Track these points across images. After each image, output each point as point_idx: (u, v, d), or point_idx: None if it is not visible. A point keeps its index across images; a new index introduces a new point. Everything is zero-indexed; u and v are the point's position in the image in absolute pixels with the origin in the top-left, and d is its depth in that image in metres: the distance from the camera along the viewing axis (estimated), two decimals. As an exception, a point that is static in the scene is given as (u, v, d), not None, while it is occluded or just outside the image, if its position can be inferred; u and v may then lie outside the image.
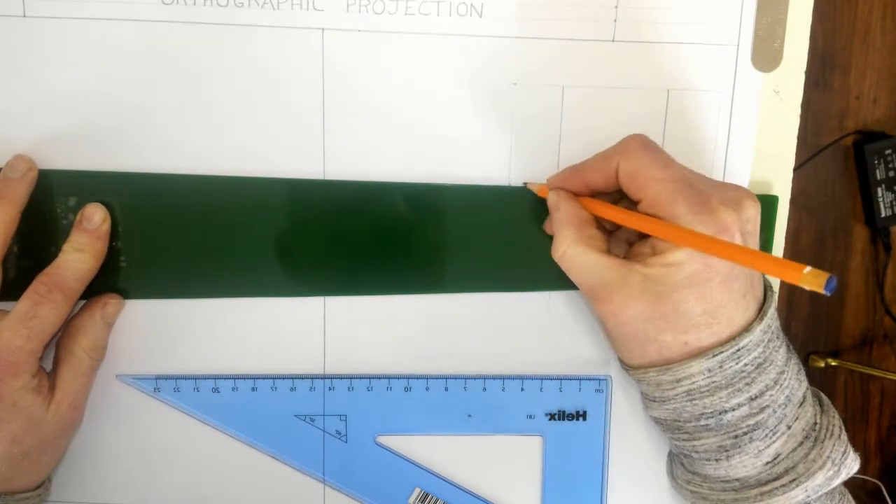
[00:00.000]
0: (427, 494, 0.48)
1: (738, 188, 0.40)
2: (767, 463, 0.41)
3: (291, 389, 0.47)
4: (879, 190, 0.53)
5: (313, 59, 0.44)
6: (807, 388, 0.42)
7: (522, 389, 0.48)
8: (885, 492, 0.56)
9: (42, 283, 0.42)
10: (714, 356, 0.39)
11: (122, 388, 0.47)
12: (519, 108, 0.45)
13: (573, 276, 0.41)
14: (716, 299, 0.38)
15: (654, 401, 0.42)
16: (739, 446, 0.40)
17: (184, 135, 0.45)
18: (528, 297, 0.47)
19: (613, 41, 0.45)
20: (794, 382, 0.41)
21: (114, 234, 0.45)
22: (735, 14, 0.44)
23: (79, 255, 0.43)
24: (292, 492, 0.48)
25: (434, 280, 0.47)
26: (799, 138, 0.46)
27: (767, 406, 0.40)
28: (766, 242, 0.47)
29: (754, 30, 0.45)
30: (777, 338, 0.41)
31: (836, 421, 0.42)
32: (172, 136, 0.45)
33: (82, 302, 0.45)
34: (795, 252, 0.50)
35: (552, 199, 0.43)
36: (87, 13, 0.44)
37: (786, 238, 0.47)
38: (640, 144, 0.40)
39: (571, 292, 0.47)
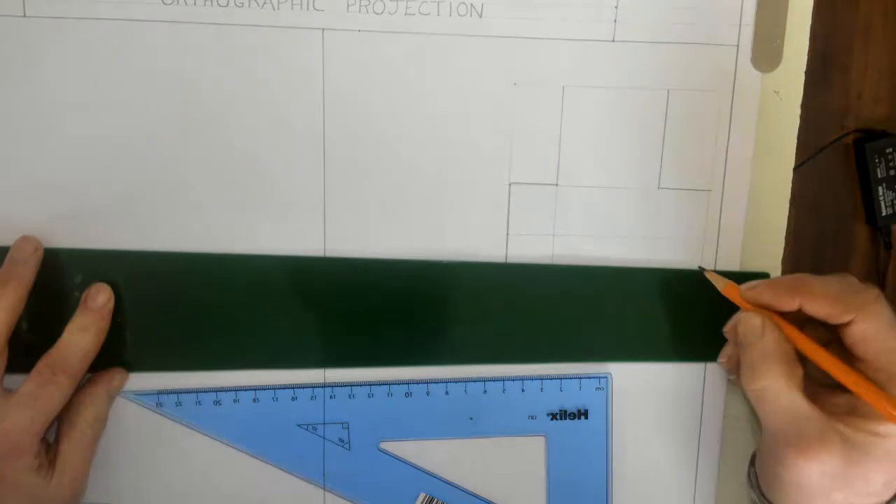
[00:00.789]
0: (432, 499, 0.49)
1: None
2: None
3: (293, 399, 0.47)
4: (880, 189, 0.52)
5: (313, 60, 0.44)
6: None
7: (523, 390, 0.48)
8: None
9: (46, 364, 0.42)
10: None
11: (123, 404, 0.47)
12: (519, 109, 0.45)
13: (763, 412, 0.39)
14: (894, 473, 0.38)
15: None
16: None
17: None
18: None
19: (614, 41, 0.45)
20: None
21: (118, 309, 0.45)
22: (735, 14, 0.44)
23: (82, 336, 0.44)
24: (297, 501, 0.48)
25: (440, 353, 0.48)
26: (799, 137, 0.46)
27: None
28: None
29: (754, 30, 0.45)
30: None
31: None
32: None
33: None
34: (796, 252, 0.50)
35: (756, 322, 0.40)
36: (87, 13, 0.44)
37: (786, 238, 0.47)
38: (884, 307, 0.38)
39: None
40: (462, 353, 0.47)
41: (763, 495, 0.42)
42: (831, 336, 0.40)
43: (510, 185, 0.46)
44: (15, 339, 0.43)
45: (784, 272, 0.47)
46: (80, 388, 0.45)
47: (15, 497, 0.41)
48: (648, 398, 0.48)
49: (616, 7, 0.44)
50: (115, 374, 0.46)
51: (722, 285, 0.43)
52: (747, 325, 0.41)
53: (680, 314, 0.47)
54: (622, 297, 0.47)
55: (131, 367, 0.47)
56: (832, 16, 0.51)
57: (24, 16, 0.44)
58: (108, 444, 0.47)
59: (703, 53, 0.45)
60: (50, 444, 0.44)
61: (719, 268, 0.47)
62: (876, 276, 0.54)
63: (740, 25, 0.44)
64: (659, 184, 0.46)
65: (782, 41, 0.45)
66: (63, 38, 0.44)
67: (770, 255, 0.47)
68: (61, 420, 0.45)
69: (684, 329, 0.48)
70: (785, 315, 0.41)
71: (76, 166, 0.45)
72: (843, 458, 0.37)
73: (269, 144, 0.45)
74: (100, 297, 0.44)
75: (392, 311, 0.47)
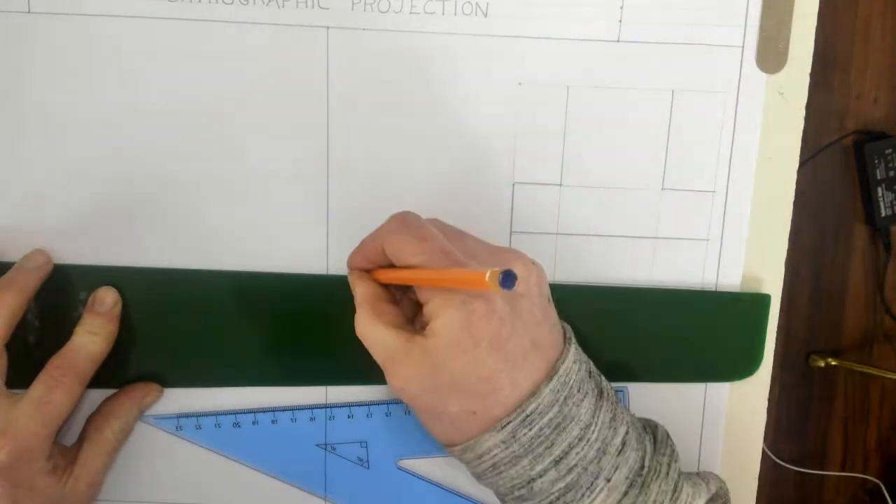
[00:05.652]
0: None
1: (510, 252, 0.40)
2: None
3: (311, 420, 0.48)
4: (880, 189, 0.53)
5: (318, 57, 0.44)
6: (626, 432, 0.40)
7: None
8: (885, 491, 0.56)
9: (55, 366, 0.42)
10: (503, 427, 0.37)
11: (143, 427, 0.47)
12: (523, 108, 0.45)
13: (373, 354, 0.40)
14: (489, 365, 0.37)
15: (477, 478, 0.41)
16: None
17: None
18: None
19: (618, 41, 0.45)
20: (607, 431, 0.39)
21: (123, 324, 0.45)
22: (740, 16, 0.44)
23: (91, 338, 0.44)
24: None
25: None
26: (799, 138, 0.47)
27: (576, 465, 0.38)
28: (757, 340, 0.48)
29: (759, 31, 0.45)
30: (579, 390, 0.39)
31: (666, 458, 0.41)
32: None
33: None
34: (796, 252, 0.50)
35: (350, 279, 0.42)
36: (92, 10, 0.44)
37: (787, 238, 0.47)
38: (398, 223, 0.39)
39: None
40: None
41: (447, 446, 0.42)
42: None
43: (514, 184, 0.46)
44: (21, 352, 0.43)
45: (785, 272, 0.47)
46: (111, 398, 0.45)
47: (31, 499, 0.41)
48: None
49: (622, 7, 0.44)
50: (150, 390, 0.46)
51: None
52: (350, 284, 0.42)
53: (680, 335, 0.48)
54: (625, 317, 0.47)
55: (131, 381, 0.47)
56: (832, 15, 0.51)
57: (29, 12, 0.44)
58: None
59: (709, 54, 0.45)
60: (67, 447, 0.44)
61: (722, 267, 0.47)
62: (876, 277, 0.54)
63: (745, 27, 0.45)
64: (663, 184, 0.46)
65: (787, 43, 0.45)
66: (67, 34, 0.44)
67: (774, 255, 0.47)
68: (88, 423, 0.45)
69: (684, 350, 0.48)
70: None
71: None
72: (426, 367, 0.37)
73: (272, 147, 0.45)
74: (108, 300, 0.45)
75: None
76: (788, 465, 0.56)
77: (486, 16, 0.44)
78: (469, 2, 0.44)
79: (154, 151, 0.45)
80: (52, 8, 0.44)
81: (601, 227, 0.47)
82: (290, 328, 0.47)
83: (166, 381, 0.47)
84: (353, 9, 0.44)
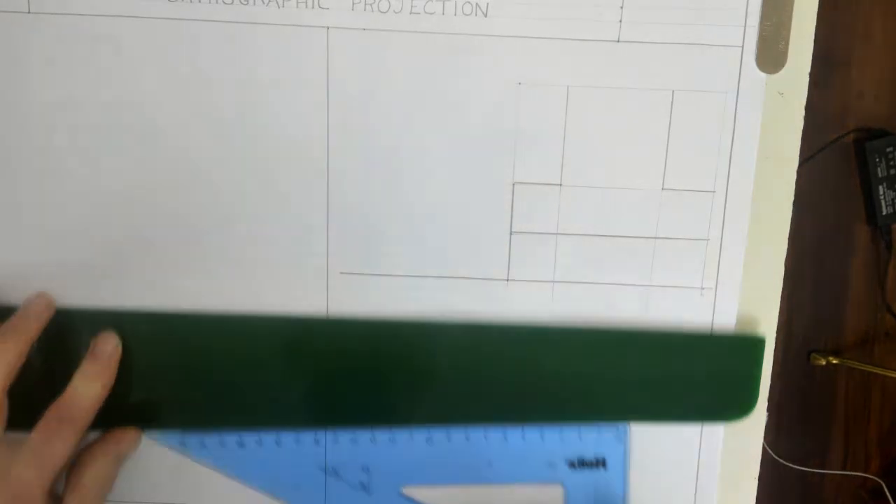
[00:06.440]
0: None
1: None
2: None
3: (315, 442, 0.48)
4: (881, 188, 0.53)
5: (318, 58, 0.44)
6: None
7: (542, 438, 0.48)
8: (886, 490, 0.56)
9: (53, 416, 0.42)
10: None
11: (146, 443, 0.48)
12: (523, 108, 0.45)
13: None
14: None
15: None
16: None
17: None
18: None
19: (618, 42, 0.45)
20: None
21: (123, 368, 0.46)
22: (740, 16, 0.44)
23: (90, 384, 0.44)
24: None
25: (446, 413, 0.48)
26: (799, 136, 0.47)
27: None
28: (751, 385, 0.48)
29: (759, 32, 0.45)
30: None
31: None
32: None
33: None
34: (796, 252, 0.50)
35: None
36: (92, 10, 0.44)
37: (787, 238, 0.47)
38: None
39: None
40: (467, 413, 0.48)
41: None
42: None
43: (514, 184, 0.46)
44: (22, 397, 0.43)
45: (785, 272, 0.47)
46: (87, 447, 0.45)
47: None
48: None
49: (621, 7, 0.44)
50: (124, 436, 0.46)
51: None
52: None
53: (674, 377, 0.48)
54: (625, 359, 0.48)
55: (125, 423, 0.47)
56: (833, 13, 0.51)
57: (29, 12, 0.44)
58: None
59: (708, 54, 0.45)
60: (58, 495, 0.44)
61: (722, 267, 0.47)
62: (877, 275, 0.54)
63: (745, 27, 0.44)
64: (663, 185, 0.46)
65: (787, 43, 0.45)
66: (67, 35, 0.44)
67: (773, 255, 0.47)
68: (69, 474, 0.44)
69: (679, 391, 0.48)
70: None
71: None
72: None
73: (272, 158, 0.45)
74: (107, 346, 0.45)
75: (395, 373, 0.47)
76: (789, 464, 0.57)
77: (486, 16, 0.44)
78: (469, 2, 0.44)
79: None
80: (52, 8, 0.44)
81: (601, 227, 0.47)
82: (290, 370, 0.47)
83: (162, 423, 0.47)
84: (353, 9, 0.44)
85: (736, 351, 0.48)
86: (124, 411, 0.46)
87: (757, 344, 0.47)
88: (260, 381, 0.47)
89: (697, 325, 0.48)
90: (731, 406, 0.48)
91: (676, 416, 0.48)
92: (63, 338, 0.46)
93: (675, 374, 0.48)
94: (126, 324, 0.46)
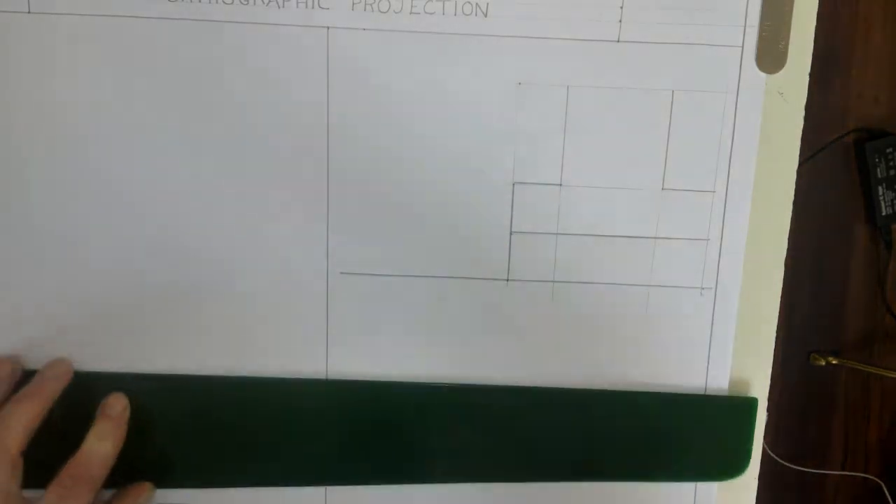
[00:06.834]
0: None
1: None
2: None
3: None
4: (880, 188, 0.53)
5: (318, 57, 0.44)
6: None
7: None
8: (885, 490, 0.56)
9: (67, 474, 0.43)
10: None
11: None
12: (523, 108, 0.45)
13: None
14: None
15: None
16: None
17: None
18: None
19: (618, 41, 0.45)
20: None
21: (130, 427, 0.47)
22: (740, 16, 0.44)
23: (102, 443, 0.45)
24: None
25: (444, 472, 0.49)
26: (799, 137, 0.47)
27: None
28: (744, 447, 0.49)
29: (759, 32, 0.45)
30: None
31: None
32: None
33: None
34: (796, 251, 0.50)
35: None
36: (92, 10, 0.44)
37: (787, 238, 0.47)
38: None
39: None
40: (462, 472, 0.49)
41: None
42: None
43: (514, 184, 0.46)
44: (39, 460, 0.43)
45: (785, 272, 0.48)
46: (108, 502, 0.46)
47: None
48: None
49: (621, 7, 0.44)
50: (142, 491, 0.47)
51: None
52: None
53: (668, 436, 0.49)
54: (614, 420, 0.48)
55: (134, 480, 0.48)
56: (833, 13, 0.51)
57: (29, 12, 0.43)
58: None
59: (708, 54, 0.45)
60: None
61: (722, 268, 0.47)
62: (877, 275, 0.54)
63: (745, 27, 0.45)
64: (663, 185, 0.46)
65: (787, 43, 0.45)
66: (67, 35, 0.44)
67: (773, 255, 0.47)
68: None
69: (672, 450, 0.49)
70: None
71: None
72: None
73: (272, 159, 0.46)
74: (118, 406, 0.46)
75: (393, 433, 0.48)
76: (789, 465, 0.56)
77: (486, 16, 0.44)
78: (469, 2, 0.44)
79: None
80: (52, 8, 0.44)
81: (601, 227, 0.47)
82: (291, 430, 0.48)
83: (168, 481, 0.48)
84: (353, 9, 0.44)
85: (728, 412, 0.49)
86: (134, 470, 0.47)
87: (749, 405, 0.48)
88: (261, 441, 0.48)
89: (697, 327, 0.48)
90: (723, 467, 0.49)
91: (669, 476, 0.49)
92: (75, 399, 0.46)
93: (668, 434, 0.48)
94: (134, 386, 0.47)
